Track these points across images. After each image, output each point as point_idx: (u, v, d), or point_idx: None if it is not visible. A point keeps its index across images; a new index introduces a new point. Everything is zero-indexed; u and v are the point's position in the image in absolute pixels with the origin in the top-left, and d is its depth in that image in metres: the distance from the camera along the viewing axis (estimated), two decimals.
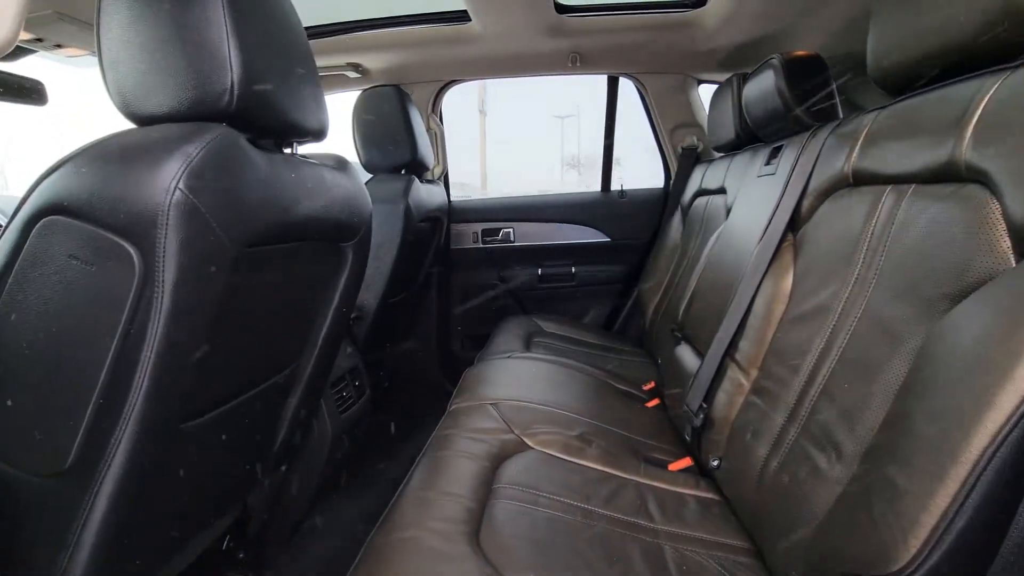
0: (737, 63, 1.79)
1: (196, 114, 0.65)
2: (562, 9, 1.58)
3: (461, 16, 1.60)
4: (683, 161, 2.04)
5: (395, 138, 1.61)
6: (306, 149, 0.92)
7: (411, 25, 1.69)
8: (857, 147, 0.82)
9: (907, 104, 0.74)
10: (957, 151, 0.59)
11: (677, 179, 2.04)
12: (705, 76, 2.00)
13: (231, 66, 0.65)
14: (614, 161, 2.22)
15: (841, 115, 1.06)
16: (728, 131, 1.55)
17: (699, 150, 2.04)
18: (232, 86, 0.65)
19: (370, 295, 1.53)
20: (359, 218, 1.02)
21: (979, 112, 0.57)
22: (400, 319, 1.97)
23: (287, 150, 0.87)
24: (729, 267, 1.18)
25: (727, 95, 1.54)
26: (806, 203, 0.94)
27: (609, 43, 1.77)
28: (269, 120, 0.74)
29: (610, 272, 2.23)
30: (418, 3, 1.68)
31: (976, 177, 0.57)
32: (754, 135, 1.46)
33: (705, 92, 2.05)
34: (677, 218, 1.94)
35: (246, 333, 0.81)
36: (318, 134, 0.88)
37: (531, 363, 1.47)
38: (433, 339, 2.25)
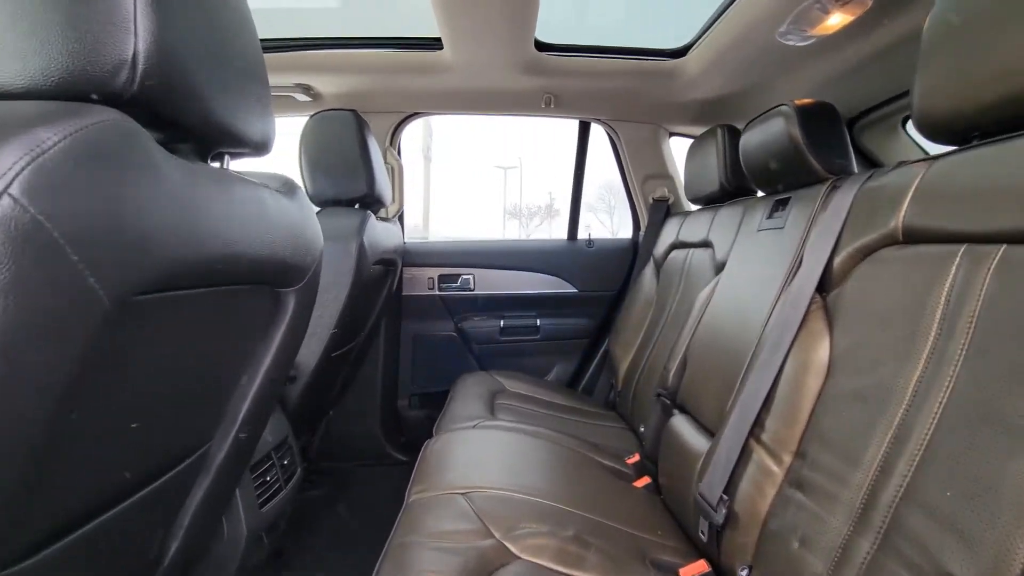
0: (710, 117, 1.77)
1: (69, 95, 0.43)
2: (541, 47, 1.49)
3: (433, 43, 1.46)
4: (654, 212, 1.97)
5: (350, 167, 1.41)
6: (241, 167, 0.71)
7: (375, 48, 1.53)
8: (907, 201, 0.72)
9: (975, 154, 0.64)
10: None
11: (648, 230, 1.96)
12: (678, 128, 1.98)
13: (135, 26, 0.44)
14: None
15: (856, 168, 0.99)
16: (710, 183, 1.47)
17: (670, 202, 1.98)
18: (135, 57, 0.44)
19: (309, 350, 1.27)
20: (309, 257, 0.80)
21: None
22: (340, 376, 1.70)
23: (215, 163, 0.64)
24: (734, 329, 1.05)
25: (710, 146, 1.47)
26: (838, 261, 0.83)
27: (585, 86, 1.70)
28: (190, 117, 0.52)
29: (576, 326, 2.08)
30: (386, 26, 1.53)
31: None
32: (743, 187, 1.39)
33: (675, 146, 2.03)
34: (650, 271, 1.84)
35: (127, 412, 0.55)
36: (260, 147, 0.67)
37: (501, 435, 1.25)
38: (377, 397, 1.98)
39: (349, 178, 1.41)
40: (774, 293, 0.96)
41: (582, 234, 2.14)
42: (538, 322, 2.06)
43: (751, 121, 1.15)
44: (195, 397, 0.68)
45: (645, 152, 1.97)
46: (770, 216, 1.12)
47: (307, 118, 1.47)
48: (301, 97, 1.66)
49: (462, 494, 0.93)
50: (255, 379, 0.80)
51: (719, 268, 1.31)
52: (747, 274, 1.11)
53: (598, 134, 1.99)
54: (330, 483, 1.87)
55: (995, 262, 0.58)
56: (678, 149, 2.02)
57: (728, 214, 1.38)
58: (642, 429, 1.45)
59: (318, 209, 1.41)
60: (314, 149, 1.42)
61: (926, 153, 1.42)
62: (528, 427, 1.35)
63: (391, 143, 1.90)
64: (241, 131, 0.60)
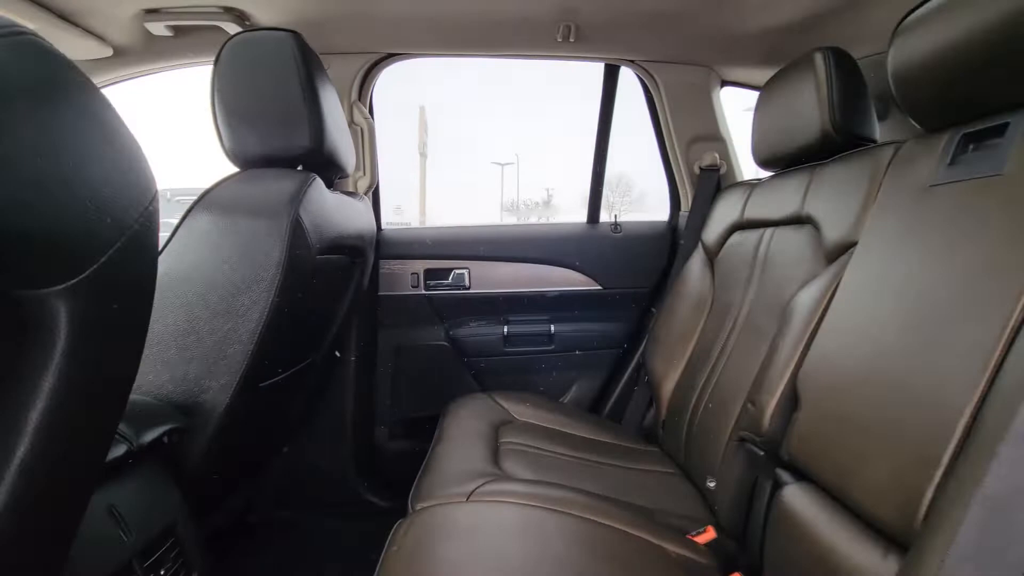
0: (785, 52, 1.32)
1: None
2: None
3: None
4: (702, 185, 1.52)
5: (286, 110, 0.96)
6: None
7: None
8: None
9: None
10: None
11: (695, 209, 1.52)
12: (735, 73, 1.53)
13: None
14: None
15: None
16: (804, 132, 1.03)
17: (721, 172, 1.54)
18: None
19: (215, 382, 0.83)
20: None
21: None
22: (285, 409, 1.26)
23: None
24: (914, 361, 0.61)
25: (803, 80, 1.03)
26: None
27: (614, 13, 1.25)
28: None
29: (602, 333, 1.64)
30: None
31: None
32: (859, 135, 0.95)
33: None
34: (698, 262, 1.40)
35: None
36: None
37: (511, 514, 0.82)
38: (348, 426, 1.54)
39: (284, 125, 0.96)
40: (1012, 290, 0.52)
41: (606, 217, 1.70)
42: (552, 329, 1.62)
43: (917, 8, 0.71)
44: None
45: (692, 105, 1.52)
46: (953, 160, 0.68)
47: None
48: (231, 27, 1.21)
49: None
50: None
51: (834, 254, 0.87)
52: (927, 261, 0.67)
53: (627, 83, 1.54)
54: (284, 541, 1.44)
55: None
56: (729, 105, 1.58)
57: (840, 173, 0.94)
58: (711, 484, 1.01)
59: (237, 171, 0.96)
60: (233, 85, 0.97)
61: None
62: (550, 490, 0.91)
63: (359, 96, 1.45)
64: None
